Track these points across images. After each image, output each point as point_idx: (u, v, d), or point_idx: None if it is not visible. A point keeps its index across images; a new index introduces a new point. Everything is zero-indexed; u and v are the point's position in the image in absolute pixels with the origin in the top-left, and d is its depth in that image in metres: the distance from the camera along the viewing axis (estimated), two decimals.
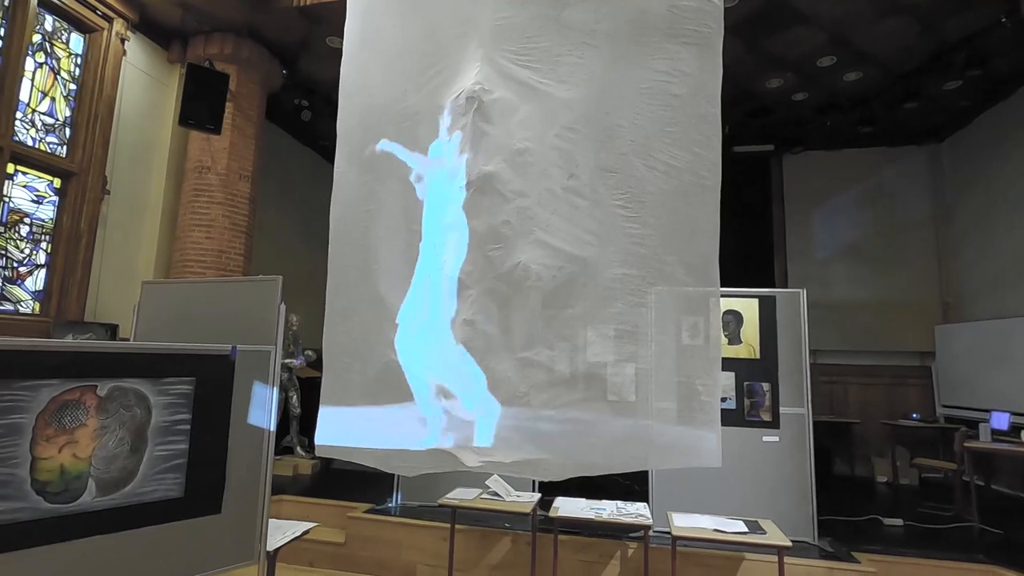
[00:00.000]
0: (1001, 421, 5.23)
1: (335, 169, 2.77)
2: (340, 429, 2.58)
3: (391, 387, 2.52)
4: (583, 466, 2.38)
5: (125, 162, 5.41)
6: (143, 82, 5.62)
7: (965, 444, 5.11)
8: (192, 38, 5.74)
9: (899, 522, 4.69)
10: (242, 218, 5.66)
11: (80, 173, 5.06)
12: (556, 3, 2.61)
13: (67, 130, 5.15)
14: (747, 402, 4.33)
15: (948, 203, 7.37)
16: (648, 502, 3.98)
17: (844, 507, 4.98)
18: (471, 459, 2.34)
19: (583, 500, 3.76)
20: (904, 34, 5.34)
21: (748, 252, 7.77)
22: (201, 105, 5.09)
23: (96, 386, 2.05)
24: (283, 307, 2.59)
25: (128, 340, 3.58)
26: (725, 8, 2.52)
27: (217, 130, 5.17)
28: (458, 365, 2.42)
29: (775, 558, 3.13)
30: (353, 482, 5.69)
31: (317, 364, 6.22)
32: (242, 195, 5.66)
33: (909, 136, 7.48)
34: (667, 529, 3.32)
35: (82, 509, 1.97)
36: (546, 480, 2.41)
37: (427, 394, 2.44)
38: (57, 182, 5.04)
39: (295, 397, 6.43)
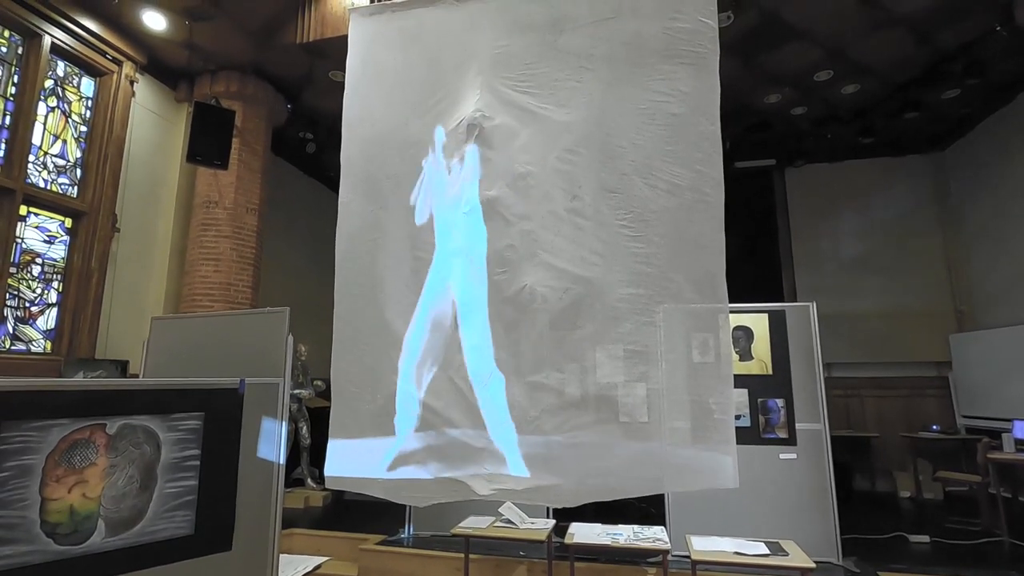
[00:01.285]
0: None
1: (340, 198, 2.80)
2: (350, 458, 2.56)
3: (399, 415, 2.50)
4: (597, 491, 2.34)
5: (134, 200, 5.50)
6: (151, 121, 5.75)
7: (989, 455, 4.98)
8: (199, 77, 5.89)
9: (926, 538, 4.55)
10: (249, 250, 5.71)
11: (91, 212, 5.15)
12: (553, 30, 2.66)
13: (78, 171, 5.25)
14: (762, 419, 4.25)
15: (955, 210, 7.33)
16: (665, 525, 3.89)
17: (867, 524, 4.84)
18: (483, 487, 2.30)
19: (599, 525, 3.68)
20: (900, 45, 5.38)
21: (755, 267, 7.74)
22: (208, 141, 5.19)
23: (105, 424, 2.04)
24: (291, 338, 2.60)
25: (138, 376, 3.59)
26: (720, 27, 2.55)
27: (224, 165, 5.26)
28: (466, 391, 2.40)
29: None
30: (365, 513, 5.61)
31: (326, 394, 6.20)
32: (249, 228, 5.72)
33: (911, 145, 7.48)
34: (686, 553, 3.23)
35: (92, 550, 1.95)
36: (560, 507, 2.36)
37: (436, 422, 2.42)
38: (68, 222, 5.13)
39: (305, 428, 6.39)
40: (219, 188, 5.58)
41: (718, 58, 2.52)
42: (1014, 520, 4.74)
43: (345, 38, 3.11)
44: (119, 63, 5.42)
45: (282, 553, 2.79)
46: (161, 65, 5.80)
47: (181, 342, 2.93)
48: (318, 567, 3.06)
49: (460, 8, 2.82)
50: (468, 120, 2.57)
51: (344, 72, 5.15)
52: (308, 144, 6.99)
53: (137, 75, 5.57)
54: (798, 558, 3.01)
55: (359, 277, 2.67)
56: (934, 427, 6.58)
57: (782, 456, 4.14)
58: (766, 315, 4.40)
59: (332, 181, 8.47)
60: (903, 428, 6.85)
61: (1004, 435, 5.08)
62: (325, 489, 5.97)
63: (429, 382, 2.47)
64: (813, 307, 4.35)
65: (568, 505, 2.35)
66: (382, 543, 4.46)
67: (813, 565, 2.93)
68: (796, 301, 7.00)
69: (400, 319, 2.54)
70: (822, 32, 5.21)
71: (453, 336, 2.47)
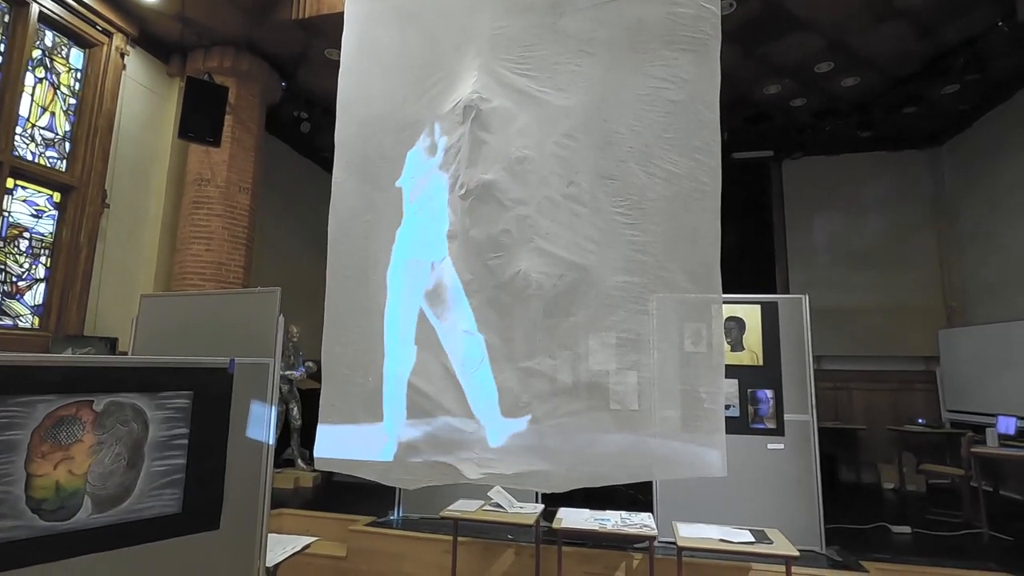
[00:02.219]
0: (1008, 426, 5.18)
1: (333, 179, 2.76)
2: (340, 442, 2.55)
3: (390, 398, 2.49)
4: (587, 477, 2.35)
5: (125, 175, 5.42)
6: (143, 96, 5.64)
7: (972, 449, 5.05)
8: (192, 52, 5.77)
9: (907, 529, 4.63)
10: (242, 230, 5.65)
11: (80, 187, 5.07)
12: (553, 12, 2.61)
13: (67, 144, 5.16)
14: (751, 409, 4.29)
15: (950, 207, 7.36)
16: (652, 512, 3.93)
17: (851, 515, 4.92)
18: (472, 471, 2.31)
19: (587, 511, 3.71)
20: (901, 39, 5.34)
21: (749, 258, 7.75)
22: (201, 118, 5.10)
23: (92, 401, 2.02)
24: (282, 319, 2.57)
25: (127, 353, 3.55)
26: (722, 15, 2.52)
27: (217, 142, 5.18)
28: (458, 376, 2.39)
29: (782, 568, 3.07)
30: (355, 494, 5.64)
31: (317, 376, 6.18)
32: (242, 207, 5.66)
33: (909, 140, 7.47)
34: (672, 539, 3.28)
35: (78, 527, 1.94)
36: (549, 492, 2.37)
37: (427, 406, 2.41)
38: (57, 196, 5.05)
39: (296, 409, 6.39)
40: (211, 166, 5.51)
41: (719, 45, 2.49)
42: (994, 513, 4.83)
43: (341, 15, 3.04)
44: (109, 35, 5.30)
45: (271, 533, 2.79)
46: (153, 38, 5.68)
47: (171, 320, 2.90)
48: (306, 547, 3.08)
49: None
50: (465, 102, 2.53)
51: (340, 51, 5.08)
52: (303, 123, 6.90)
53: (128, 48, 5.45)
54: (782, 546, 3.06)
55: (352, 259, 2.64)
56: (920, 420, 6.67)
57: (770, 446, 4.19)
58: (758, 306, 4.42)
59: (327, 161, 8.36)
60: (890, 421, 6.94)
61: (988, 430, 5.16)
62: (315, 470, 5.99)
63: (421, 367, 2.45)
64: (805, 299, 4.37)
65: (557, 490, 2.36)
66: (371, 524, 4.48)
67: (797, 553, 2.98)
68: (789, 293, 7.03)
69: (393, 302, 2.52)
70: (824, 23, 5.16)
71: (445, 321, 2.46)
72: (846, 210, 7.84)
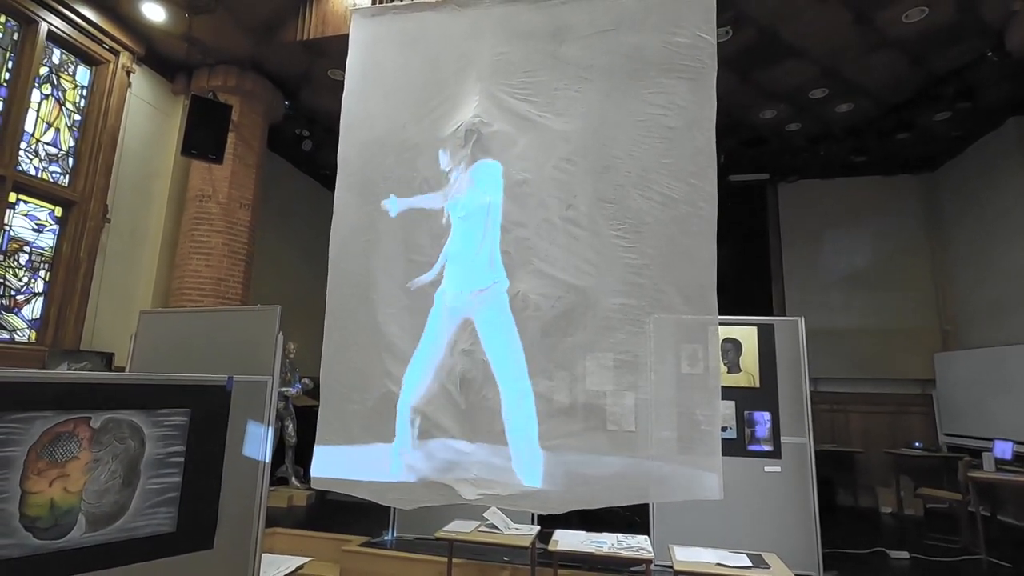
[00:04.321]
0: (1005, 450, 5.18)
1: (335, 198, 2.80)
2: (337, 461, 2.55)
3: (389, 417, 2.49)
4: (584, 499, 2.35)
5: (127, 191, 5.46)
6: (147, 113, 5.71)
7: (970, 474, 5.04)
8: (197, 70, 5.86)
9: (905, 555, 4.60)
10: (241, 246, 5.68)
11: (81, 202, 5.10)
12: (553, 39, 2.68)
13: (70, 159, 5.21)
14: (748, 431, 4.28)
15: (943, 231, 7.44)
16: (649, 534, 3.90)
17: (848, 539, 4.88)
18: (470, 492, 2.31)
19: (583, 533, 3.68)
20: (894, 67, 5.46)
21: (746, 280, 7.80)
22: (204, 135, 5.16)
23: (90, 418, 2.02)
24: (281, 336, 2.59)
25: (124, 370, 3.55)
26: (718, 42, 2.59)
27: (219, 159, 5.23)
28: (457, 396, 2.40)
29: None
30: (349, 514, 5.58)
31: (314, 393, 6.17)
32: (242, 223, 5.69)
33: (903, 165, 7.58)
34: (668, 563, 3.25)
35: (72, 545, 1.93)
36: (546, 513, 2.37)
37: (426, 426, 2.41)
38: (58, 211, 5.08)
39: (291, 426, 6.35)
40: (213, 182, 5.55)
41: (715, 74, 2.55)
42: (992, 539, 4.80)
43: (346, 37, 3.11)
44: (116, 53, 5.38)
45: (264, 552, 2.76)
46: (159, 57, 5.77)
47: (169, 337, 2.91)
48: (300, 567, 3.04)
49: (462, 13, 2.84)
50: (467, 126, 2.58)
51: (343, 72, 5.15)
52: (305, 142, 6.97)
53: (134, 66, 5.53)
54: (779, 571, 3.03)
55: (352, 278, 2.67)
56: (917, 444, 6.66)
57: (767, 469, 4.17)
58: (755, 328, 4.44)
59: (328, 179, 8.43)
60: (887, 444, 6.92)
61: (984, 454, 5.15)
62: (309, 488, 5.94)
63: (420, 387, 2.46)
64: (801, 321, 4.40)
65: (554, 512, 2.36)
66: (365, 544, 4.43)
67: None
68: (784, 315, 7.06)
69: (392, 322, 2.54)
70: (818, 51, 5.28)
71: (446, 341, 2.47)
72: (841, 233, 7.91)
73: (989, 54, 5.02)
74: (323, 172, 8.19)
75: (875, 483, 6.87)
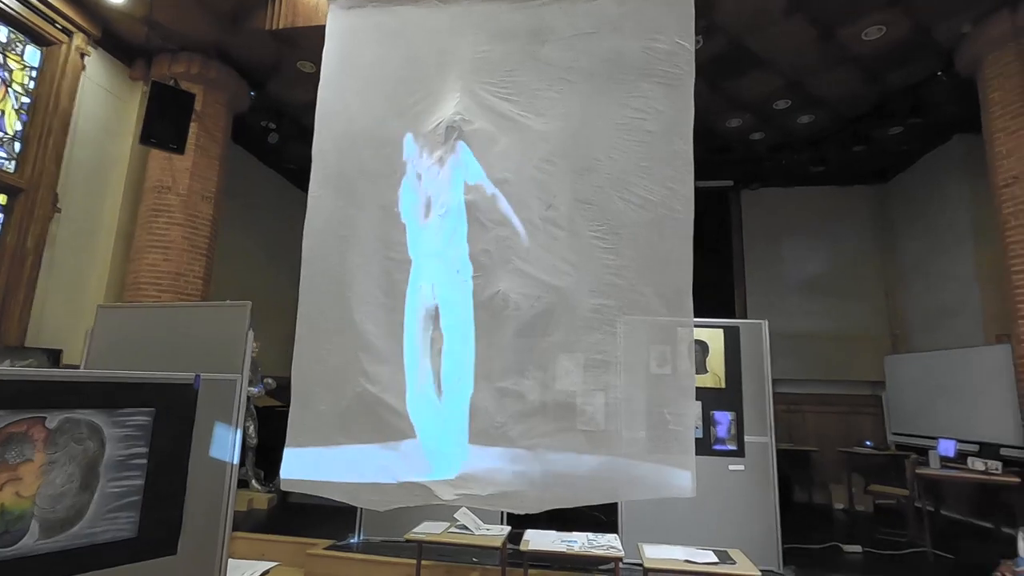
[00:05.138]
0: (948, 448, 5.46)
1: (309, 192, 2.72)
2: (309, 463, 2.48)
3: (364, 418, 2.44)
4: (560, 499, 2.36)
5: (79, 180, 5.19)
6: (102, 98, 5.44)
7: (916, 471, 5.30)
8: (157, 56, 5.62)
9: (858, 549, 4.80)
10: (202, 240, 5.47)
11: (29, 189, 4.82)
12: (534, 40, 2.69)
13: (16, 144, 4.91)
14: (712, 431, 4.39)
15: (893, 240, 7.81)
16: (618, 533, 3.95)
17: (805, 534, 5.06)
18: (446, 492, 2.28)
19: (554, 532, 3.69)
20: (851, 83, 5.71)
21: (711, 283, 7.99)
22: (165, 124, 4.95)
23: (45, 418, 1.91)
24: (252, 334, 2.50)
25: (77, 367, 3.37)
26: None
27: (181, 149, 5.03)
28: (434, 396, 2.37)
29: None
30: (312, 517, 5.45)
31: (276, 393, 5.99)
32: (204, 216, 5.49)
33: (858, 176, 7.93)
34: (637, 560, 3.30)
35: (23, 553, 1.82)
36: (522, 513, 2.37)
37: (402, 426, 2.38)
38: (3, 198, 4.78)
39: (252, 427, 6.15)
40: (173, 173, 5.33)
41: (693, 80, 2.61)
42: (937, 532, 5.06)
43: (317, 29, 3.04)
44: (70, 34, 5.11)
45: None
46: (116, 40, 5.50)
47: (129, 333, 2.77)
48: (266, 573, 2.95)
49: (443, 9, 2.81)
50: (447, 123, 2.56)
51: (314, 64, 5.04)
52: (271, 134, 6.77)
53: (89, 48, 5.26)
54: (745, 566, 3.11)
55: (327, 274, 2.60)
56: (868, 443, 6.96)
57: (731, 467, 4.29)
58: (721, 331, 4.56)
59: (292, 173, 8.23)
60: (840, 443, 7.21)
61: (930, 452, 5.42)
62: (271, 491, 5.77)
63: (397, 386, 2.42)
64: (765, 325, 4.54)
65: (531, 511, 2.36)
66: (330, 548, 4.33)
67: (759, 573, 3.04)
68: (747, 318, 7.28)
69: (369, 320, 2.49)
70: (783, 63, 5.47)
71: (424, 339, 2.44)
72: (800, 240, 8.21)
73: (939, 73, 5.30)
74: (287, 166, 7.99)
75: (828, 480, 7.15)
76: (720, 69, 5.49)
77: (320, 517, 5.23)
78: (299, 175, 8.31)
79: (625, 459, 2.38)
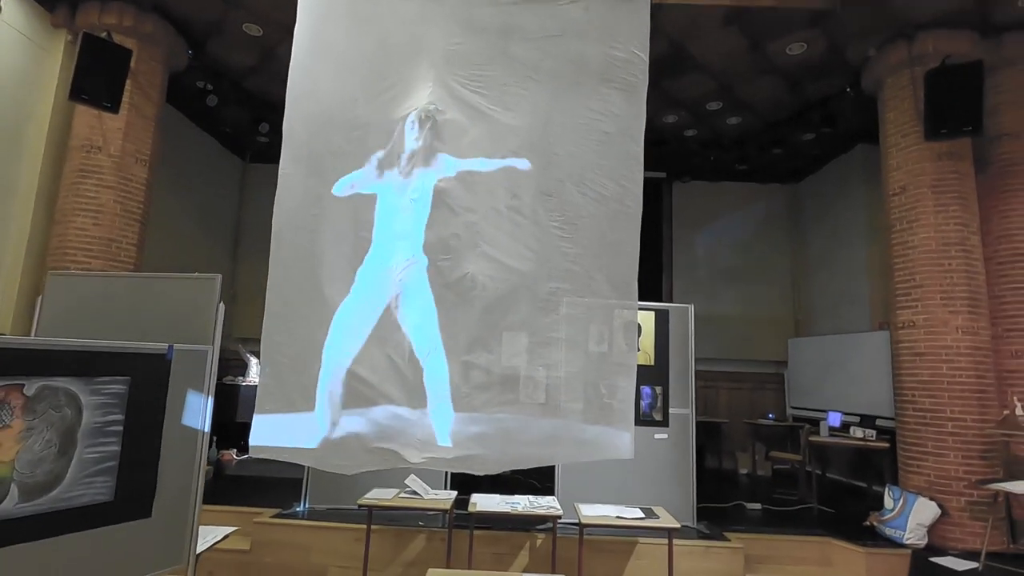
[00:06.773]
0: (835, 419, 6.29)
1: (280, 170, 2.77)
2: (277, 430, 2.60)
3: (332, 386, 2.59)
4: (516, 460, 2.63)
5: None
6: (19, 45, 5.00)
7: (809, 439, 6.09)
8: (83, 3, 5.21)
9: (758, 506, 5.50)
10: (136, 205, 5.23)
11: None
12: (505, 36, 2.85)
13: None
14: (642, 404, 4.85)
15: (802, 234, 8.68)
16: (555, 495, 4.33)
17: (715, 495, 5.71)
18: (414, 456, 2.49)
19: (498, 496, 4.01)
20: (775, 91, 6.27)
21: (642, 268, 8.51)
22: (97, 80, 4.66)
23: (23, 385, 1.94)
24: (222, 306, 2.57)
25: (3, 335, 3.25)
26: None
27: (115, 108, 4.76)
28: (403, 367, 2.55)
29: (664, 541, 3.60)
30: (250, 488, 5.47)
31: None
32: (138, 180, 5.23)
33: (774, 175, 8.69)
34: (573, 520, 3.68)
35: (3, 516, 1.87)
36: (483, 474, 2.63)
37: (371, 395, 2.54)
38: None
39: None
40: (104, 133, 5.03)
41: (647, 88, 2.89)
42: (822, 491, 5.87)
43: None
44: None
45: None
46: None
47: (82, 301, 2.74)
48: (227, 536, 3.06)
49: None
50: (421, 111, 2.69)
51: (259, 26, 4.92)
52: (209, 96, 6.47)
53: None
54: (667, 520, 3.57)
55: (298, 251, 2.68)
56: (770, 415, 7.81)
57: (656, 436, 4.77)
58: (653, 313, 5.00)
59: (229, 138, 7.87)
60: (746, 415, 8.04)
61: (821, 423, 6.23)
62: (209, 463, 5.70)
63: (366, 357, 2.58)
64: (691, 309, 5.02)
65: (490, 472, 2.61)
66: (277, 516, 4.42)
67: (679, 525, 3.51)
68: (672, 302, 7.87)
69: (340, 296, 2.61)
70: (717, 68, 5.92)
71: (392, 315, 2.60)
72: (721, 231, 8.92)
73: (848, 89, 5.95)
74: (224, 130, 7.64)
75: (735, 448, 7.97)
76: (661, 69, 5.86)
77: (259, 488, 5.29)
78: (234, 140, 7.95)
79: (573, 427, 2.68)
